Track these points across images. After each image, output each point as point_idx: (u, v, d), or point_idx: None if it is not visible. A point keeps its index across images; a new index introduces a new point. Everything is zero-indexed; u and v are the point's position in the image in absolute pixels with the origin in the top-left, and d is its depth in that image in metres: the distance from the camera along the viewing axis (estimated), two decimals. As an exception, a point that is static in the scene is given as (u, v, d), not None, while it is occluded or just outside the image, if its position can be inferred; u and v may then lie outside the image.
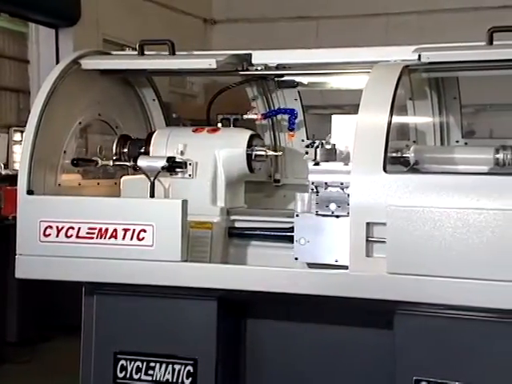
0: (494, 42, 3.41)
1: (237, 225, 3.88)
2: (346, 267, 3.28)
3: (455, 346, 3.10)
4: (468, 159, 3.60)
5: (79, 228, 3.57)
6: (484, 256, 3.00)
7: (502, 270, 2.98)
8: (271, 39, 8.66)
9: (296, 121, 4.33)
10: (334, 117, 3.66)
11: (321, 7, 10.48)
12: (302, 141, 4.34)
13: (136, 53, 4.05)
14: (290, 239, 3.61)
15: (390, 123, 3.29)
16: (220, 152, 3.84)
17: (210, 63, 3.79)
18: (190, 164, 3.82)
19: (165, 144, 3.91)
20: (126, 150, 4.06)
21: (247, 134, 3.90)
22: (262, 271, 3.42)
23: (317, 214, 3.51)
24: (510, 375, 3.03)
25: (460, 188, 3.11)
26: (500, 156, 3.46)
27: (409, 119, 4.21)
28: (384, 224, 3.16)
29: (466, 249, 3.02)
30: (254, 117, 4.23)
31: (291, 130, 4.33)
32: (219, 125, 4.07)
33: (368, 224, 3.21)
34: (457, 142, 4.18)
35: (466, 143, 4.17)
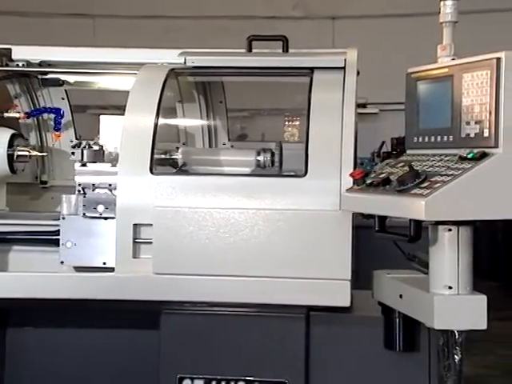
0: (254, 50, 3.58)
1: (-3, 229, 3.67)
2: (113, 269, 3.25)
3: (217, 342, 3.18)
4: (232, 161, 3.73)
5: None
6: (243, 253, 3.13)
7: (258, 267, 3.12)
8: (48, 35, 8.30)
9: (63, 120, 4.20)
10: (102, 117, 3.60)
11: (97, 5, 10.28)
12: (71, 141, 4.22)
13: None
14: (57, 243, 3.49)
15: (156, 125, 3.31)
16: (-23, 152, 3.62)
17: (-40, 56, 3.55)
18: None
19: None
20: None
21: (8, 133, 3.73)
22: (22, 277, 3.27)
23: (84, 216, 3.43)
24: (271, 365, 3.18)
25: (223, 189, 3.21)
26: (261, 158, 3.65)
27: (178, 121, 4.29)
28: (151, 225, 3.18)
29: (228, 247, 3.13)
30: (17, 115, 4.04)
31: (57, 130, 4.20)
32: (-24, 123, 3.83)
33: (135, 225, 3.21)
34: (224, 144, 4.34)
35: (232, 146, 4.35)
